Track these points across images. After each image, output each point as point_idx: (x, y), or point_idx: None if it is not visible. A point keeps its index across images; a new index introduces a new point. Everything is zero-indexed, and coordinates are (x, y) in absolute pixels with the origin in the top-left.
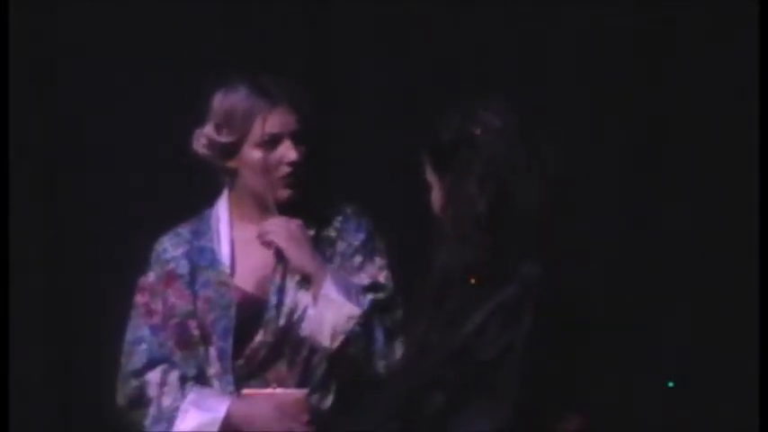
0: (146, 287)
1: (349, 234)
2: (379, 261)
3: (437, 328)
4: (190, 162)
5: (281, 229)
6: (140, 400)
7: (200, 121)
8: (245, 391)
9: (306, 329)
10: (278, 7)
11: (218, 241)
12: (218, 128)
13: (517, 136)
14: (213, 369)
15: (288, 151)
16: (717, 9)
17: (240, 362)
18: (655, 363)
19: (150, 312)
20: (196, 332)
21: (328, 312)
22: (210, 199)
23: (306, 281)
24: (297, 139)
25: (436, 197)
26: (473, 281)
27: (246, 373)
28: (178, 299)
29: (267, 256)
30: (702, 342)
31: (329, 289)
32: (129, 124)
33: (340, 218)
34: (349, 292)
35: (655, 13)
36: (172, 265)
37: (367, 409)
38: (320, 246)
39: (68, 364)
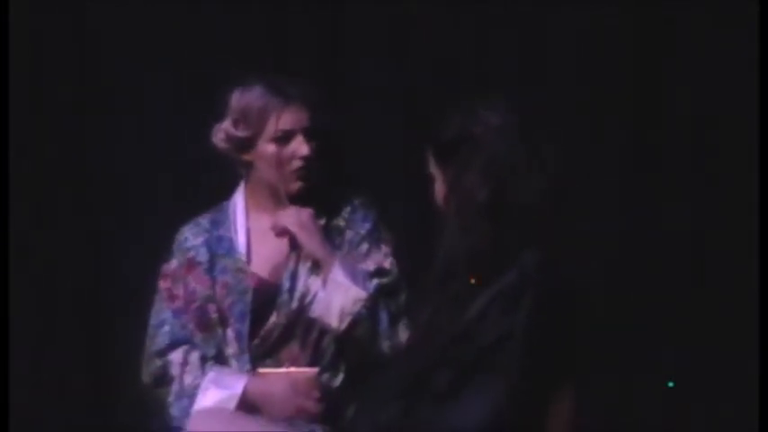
0: (168, 274)
1: (357, 224)
2: (384, 249)
3: (441, 313)
4: (209, 157)
5: (293, 218)
6: (164, 379)
7: (219, 116)
8: (261, 369)
9: (316, 311)
10: (291, 12)
11: (235, 231)
12: (235, 123)
13: (517, 135)
14: (231, 349)
15: (300, 146)
16: (717, 9)
17: (256, 342)
18: (655, 363)
19: (172, 297)
20: (215, 315)
21: (337, 295)
22: (228, 191)
23: (316, 267)
24: (308, 134)
25: (439, 189)
26: (473, 281)
27: (262, 353)
28: (198, 284)
29: (280, 244)
30: (702, 342)
31: (337, 274)
32: (155, 123)
33: (348, 208)
34: (356, 276)
35: (655, 12)
36: (192, 253)
37: (373, 389)
38: (330, 234)
39: (101, 351)
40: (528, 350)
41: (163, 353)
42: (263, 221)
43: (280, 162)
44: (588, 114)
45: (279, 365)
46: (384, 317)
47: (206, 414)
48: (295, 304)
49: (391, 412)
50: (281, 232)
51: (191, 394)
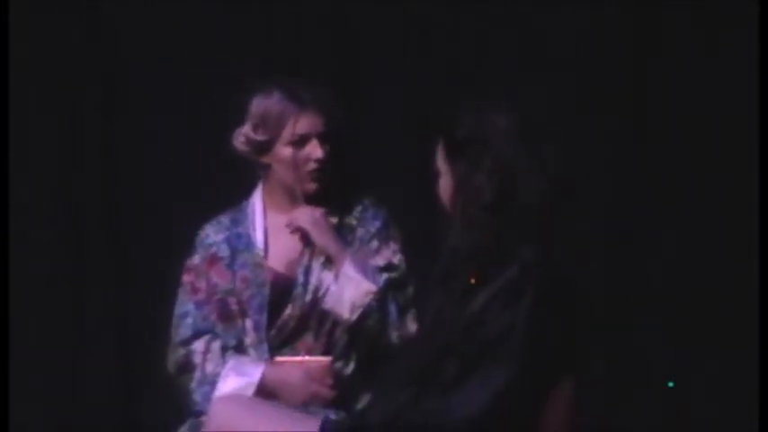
0: (191, 268)
1: (367, 222)
2: (393, 245)
3: (446, 306)
4: (230, 160)
5: (308, 216)
6: (187, 367)
7: (239, 121)
8: (278, 358)
9: (328, 303)
10: (306, 22)
11: (254, 228)
12: (254, 128)
13: (520, 136)
14: (250, 339)
15: (315, 149)
16: (717, 9)
17: (273, 332)
18: (655, 363)
19: (195, 290)
20: (235, 307)
21: (348, 288)
22: (248, 192)
23: (329, 262)
24: (323, 138)
25: (445, 184)
26: (473, 281)
27: (279, 342)
28: (219, 278)
29: (295, 241)
30: (702, 342)
31: (349, 268)
32: (179, 128)
33: (359, 208)
34: (366, 271)
35: (655, 12)
36: (214, 249)
37: (384, 379)
38: (342, 232)
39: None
40: (528, 342)
41: (186, 342)
42: (280, 220)
43: (296, 164)
44: (588, 114)
45: (295, 354)
46: (393, 309)
47: (226, 400)
48: (309, 297)
49: (400, 400)
50: (296, 230)
51: (212, 381)
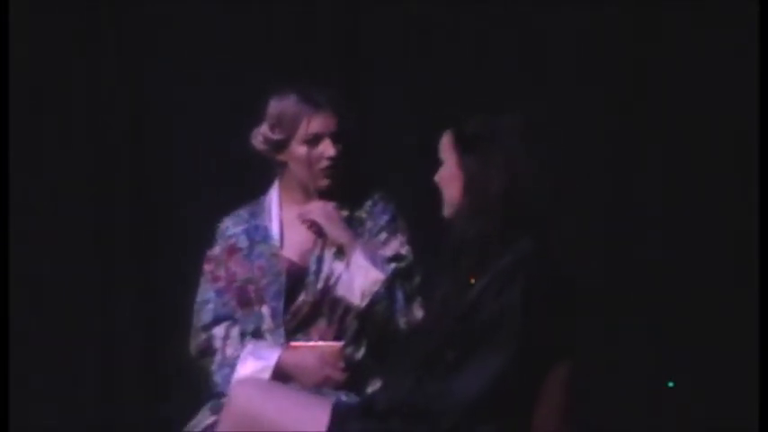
0: (212, 258)
1: (376, 215)
2: (401, 237)
3: (449, 295)
4: (249, 157)
5: (320, 209)
6: (208, 351)
7: (258, 121)
8: (293, 343)
9: (340, 291)
10: (306, 22)
11: (271, 220)
12: (271, 127)
13: (524, 135)
14: (266, 325)
15: (328, 148)
16: (717, 9)
17: (288, 318)
18: (655, 363)
19: (216, 278)
20: (253, 294)
21: (358, 277)
22: (265, 187)
23: (340, 252)
24: (335, 137)
25: (448, 174)
26: (473, 281)
27: (293, 328)
28: (238, 267)
29: (309, 233)
30: (702, 342)
31: (359, 257)
32: (202, 127)
33: (369, 202)
34: (375, 260)
35: (655, 12)
36: (233, 240)
37: (391, 364)
38: (352, 225)
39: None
40: (523, 328)
41: (207, 327)
42: (295, 213)
43: (310, 162)
44: (588, 114)
45: (308, 339)
46: (400, 296)
47: (245, 382)
48: (321, 285)
49: (406, 385)
50: (310, 222)
51: (231, 364)
